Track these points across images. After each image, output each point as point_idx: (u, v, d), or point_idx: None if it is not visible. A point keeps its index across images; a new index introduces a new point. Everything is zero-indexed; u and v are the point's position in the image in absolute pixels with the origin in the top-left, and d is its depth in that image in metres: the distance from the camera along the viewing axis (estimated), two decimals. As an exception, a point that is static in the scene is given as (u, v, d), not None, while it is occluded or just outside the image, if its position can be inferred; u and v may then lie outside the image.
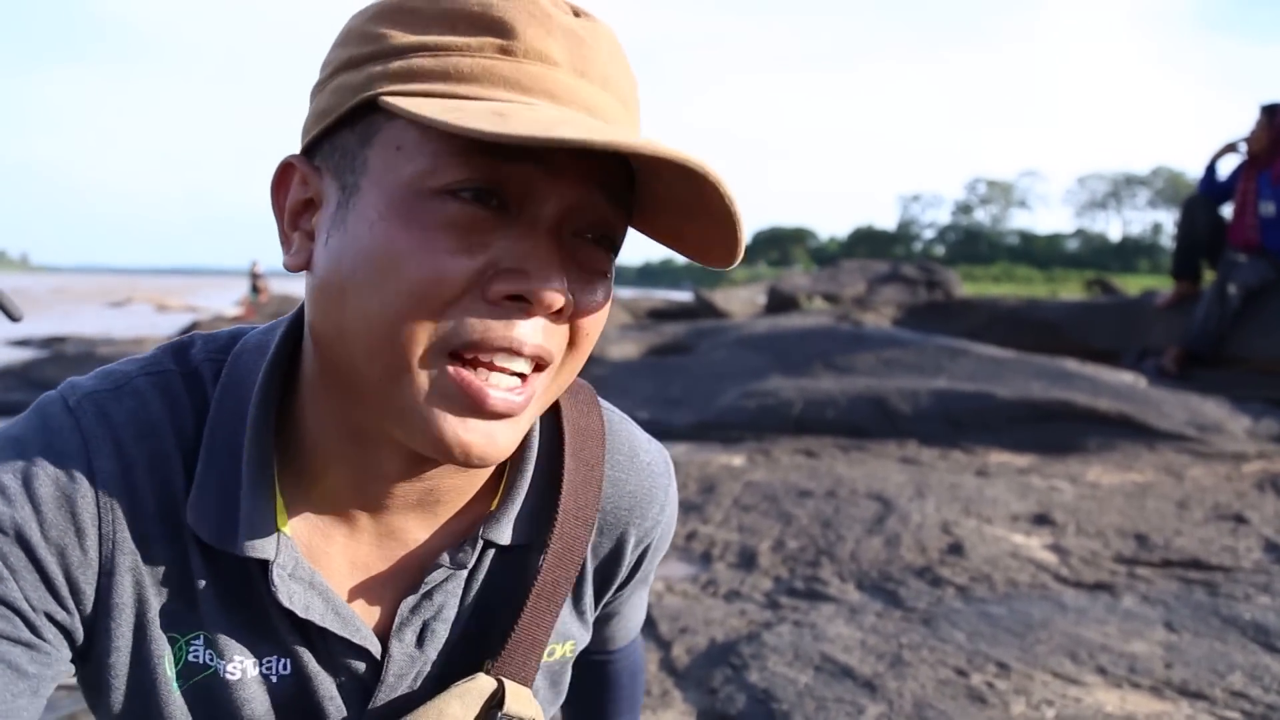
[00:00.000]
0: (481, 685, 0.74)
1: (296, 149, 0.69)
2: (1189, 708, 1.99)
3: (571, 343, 0.66)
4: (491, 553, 0.76)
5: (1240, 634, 2.34)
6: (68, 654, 0.68)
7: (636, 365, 6.54)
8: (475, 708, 0.73)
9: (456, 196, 0.60)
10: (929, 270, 10.83)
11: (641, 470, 0.83)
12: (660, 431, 5.17)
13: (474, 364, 0.62)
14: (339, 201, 0.64)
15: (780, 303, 10.23)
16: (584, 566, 0.81)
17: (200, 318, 17.36)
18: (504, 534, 0.75)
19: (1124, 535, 3.18)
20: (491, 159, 0.59)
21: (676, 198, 0.64)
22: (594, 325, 0.67)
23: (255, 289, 18.77)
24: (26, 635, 0.65)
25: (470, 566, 0.74)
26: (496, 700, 0.74)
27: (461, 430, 0.62)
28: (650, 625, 2.45)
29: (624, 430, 0.84)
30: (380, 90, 0.61)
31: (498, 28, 0.62)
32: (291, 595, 0.68)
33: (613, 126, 0.62)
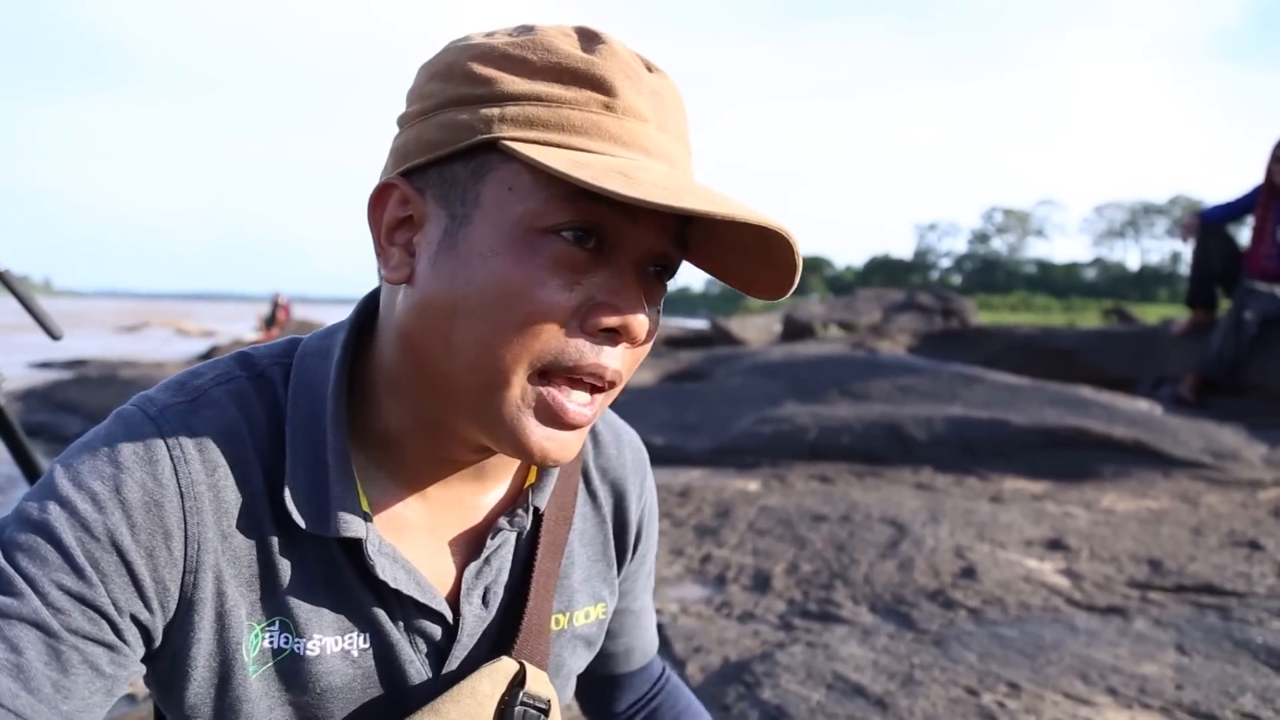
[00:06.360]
0: (505, 666, 0.81)
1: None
2: (1200, 729, 2.00)
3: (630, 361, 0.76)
4: (531, 516, 0.85)
5: (1252, 657, 2.35)
6: (142, 653, 0.72)
7: (653, 391, 6.58)
8: (502, 686, 0.81)
9: (560, 236, 0.68)
10: (944, 298, 10.84)
11: (627, 445, 0.99)
12: (676, 457, 5.21)
13: (558, 382, 0.71)
14: (446, 228, 0.71)
15: (796, 331, 10.27)
16: (606, 527, 0.95)
17: (218, 342, 17.53)
18: (544, 499, 0.86)
19: (1138, 561, 3.19)
20: (593, 204, 0.68)
21: (736, 239, 0.74)
22: (649, 345, 0.77)
23: (274, 317, 19.28)
24: (110, 638, 0.68)
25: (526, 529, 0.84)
26: (518, 680, 0.81)
27: (544, 439, 0.72)
28: (664, 644, 2.48)
29: (609, 416, 0.99)
30: (501, 134, 0.68)
31: (600, 85, 0.70)
32: (383, 568, 0.76)
33: (711, 189, 0.71)
